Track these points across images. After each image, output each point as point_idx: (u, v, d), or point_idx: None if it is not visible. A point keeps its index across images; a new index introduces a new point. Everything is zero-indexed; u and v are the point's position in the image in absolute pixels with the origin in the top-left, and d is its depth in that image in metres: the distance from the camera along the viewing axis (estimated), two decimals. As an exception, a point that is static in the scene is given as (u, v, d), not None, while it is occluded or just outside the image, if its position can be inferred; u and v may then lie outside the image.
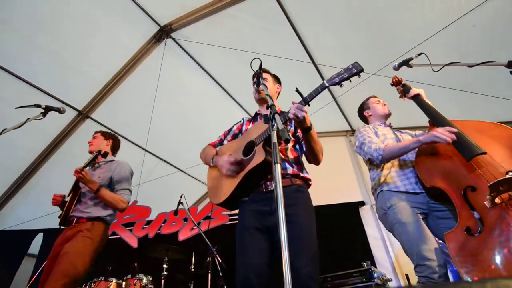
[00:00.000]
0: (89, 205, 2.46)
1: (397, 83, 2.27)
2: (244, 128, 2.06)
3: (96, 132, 2.90)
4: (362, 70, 1.51)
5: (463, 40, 3.53)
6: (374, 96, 2.45)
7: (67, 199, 2.52)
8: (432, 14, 3.42)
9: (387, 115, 2.33)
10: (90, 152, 2.70)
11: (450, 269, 1.60)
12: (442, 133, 1.65)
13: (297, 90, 1.58)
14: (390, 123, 2.33)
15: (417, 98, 2.09)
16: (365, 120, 2.45)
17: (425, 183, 1.74)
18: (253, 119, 2.08)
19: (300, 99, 1.58)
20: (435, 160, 1.78)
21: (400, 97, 2.23)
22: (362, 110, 2.45)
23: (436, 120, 1.87)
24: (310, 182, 1.83)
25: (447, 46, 3.57)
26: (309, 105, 1.59)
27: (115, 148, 2.90)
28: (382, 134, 2.13)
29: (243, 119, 2.16)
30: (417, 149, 1.86)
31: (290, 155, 1.82)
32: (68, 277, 2.05)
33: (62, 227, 2.48)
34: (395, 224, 1.81)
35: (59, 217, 2.48)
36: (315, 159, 1.82)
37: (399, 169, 1.99)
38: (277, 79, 2.17)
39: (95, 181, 2.44)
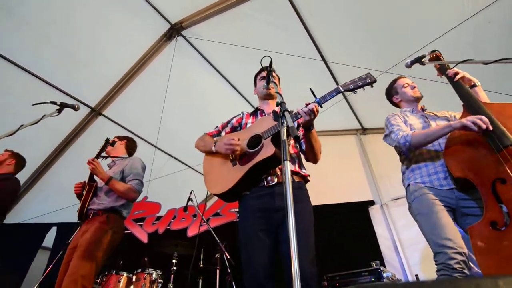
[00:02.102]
0: (105, 197, 2.57)
1: (434, 58, 2.13)
2: (244, 121, 2.05)
3: (114, 137, 3.07)
4: (375, 81, 1.61)
5: (478, 37, 3.44)
6: (402, 77, 2.29)
7: (84, 192, 2.62)
8: (447, 10, 3.34)
9: (418, 99, 2.18)
10: (107, 152, 2.88)
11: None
12: (473, 121, 1.57)
13: (312, 91, 1.62)
14: (423, 106, 2.18)
15: (452, 79, 1.95)
16: (394, 105, 2.33)
17: (453, 173, 1.69)
18: (254, 114, 2.08)
19: (313, 99, 1.62)
20: (465, 149, 1.71)
21: (438, 74, 2.10)
22: (391, 95, 2.30)
23: (470, 105, 1.77)
24: (308, 178, 1.85)
25: (461, 43, 3.49)
26: (321, 107, 1.63)
27: (129, 147, 3.02)
28: (412, 124, 2.03)
29: (242, 112, 2.14)
30: (448, 136, 1.78)
31: (291, 150, 1.83)
32: (85, 268, 2.15)
33: (80, 221, 2.58)
34: (417, 215, 1.79)
35: (77, 211, 2.58)
36: (314, 158, 1.85)
37: (430, 162, 1.90)
38: (279, 80, 2.19)
39: (106, 173, 2.57)
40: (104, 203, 2.53)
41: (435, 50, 2.10)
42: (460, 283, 0.30)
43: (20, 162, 3.08)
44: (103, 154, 2.76)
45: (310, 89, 1.62)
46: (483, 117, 1.57)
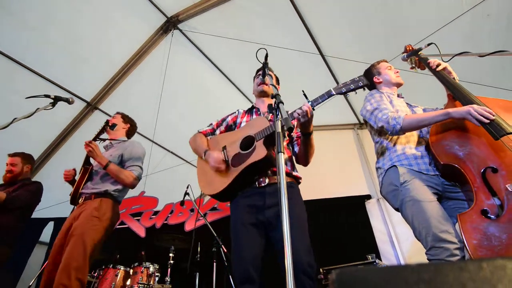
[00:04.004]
0: (100, 181, 2.42)
1: (410, 52, 2.08)
2: (239, 120, 2.04)
3: (117, 113, 2.88)
4: (367, 84, 1.62)
5: (476, 30, 3.44)
6: (385, 61, 2.22)
7: (77, 177, 2.49)
8: (445, 3, 3.33)
9: (399, 85, 2.11)
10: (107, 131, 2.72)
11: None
12: (480, 112, 1.47)
13: (304, 93, 1.61)
14: (401, 94, 2.11)
15: (434, 70, 1.89)
16: (372, 87, 2.17)
17: (440, 160, 1.60)
18: (249, 112, 2.07)
19: (305, 101, 1.62)
20: (453, 136, 1.63)
21: (412, 67, 2.05)
22: (371, 75, 2.18)
23: (459, 94, 1.70)
24: (300, 181, 1.86)
25: (460, 36, 3.48)
26: (313, 109, 1.63)
27: (130, 133, 2.88)
28: (397, 105, 1.92)
29: (238, 111, 2.13)
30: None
31: (285, 153, 1.83)
32: (78, 260, 2.03)
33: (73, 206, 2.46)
34: (408, 201, 1.64)
35: (70, 194, 2.44)
36: (305, 161, 1.87)
37: (414, 146, 1.81)
38: (277, 80, 2.18)
39: (104, 157, 2.41)
40: (98, 187, 2.37)
41: (431, 43, 2.09)
42: (444, 266, 0.30)
43: (33, 165, 3.23)
44: (102, 136, 2.61)
45: (303, 91, 1.62)
46: (487, 108, 1.51)
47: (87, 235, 2.13)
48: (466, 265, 0.30)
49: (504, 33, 3.38)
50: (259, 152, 1.63)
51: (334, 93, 1.61)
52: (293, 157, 1.91)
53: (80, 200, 2.37)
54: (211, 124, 2.11)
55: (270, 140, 1.67)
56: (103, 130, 2.56)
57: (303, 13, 3.70)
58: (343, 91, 1.60)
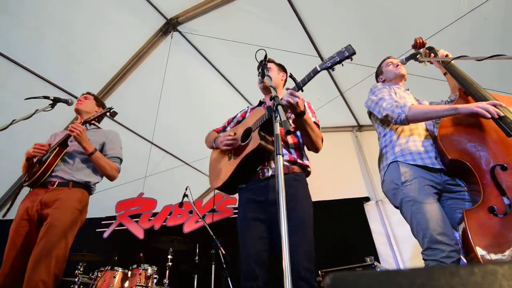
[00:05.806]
0: (78, 168, 2.17)
1: (421, 44, 2.06)
2: (247, 115, 2.07)
3: (88, 93, 2.63)
4: (354, 53, 1.50)
5: (474, 34, 3.45)
6: (389, 57, 2.23)
7: (47, 156, 2.14)
8: (443, 7, 3.35)
9: (400, 76, 2.09)
10: (76, 110, 2.45)
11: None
12: (488, 108, 1.45)
13: (291, 76, 1.61)
14: (408, 89, 2.10)
15: (446, 63, 1.87)
16: None
17: (448, 154, 1.56)
18: (257, 107, 2.08)
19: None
20: (462, 131, 1.60)
21: (421, 62, 2.01)
22: (377, 76, 2.26)
23: (471, 89, 1.67)
24: (309, 169, 1.80)
25: (458, 40, 3.50)
26: (302, 90, 1.59)
27: (102, 117, 2.58)
28: (403, 97, 1.90)
29: (248, 107, 2.18)
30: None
31: (290, 139, 1.80)
32: (60, 250, 1.86)
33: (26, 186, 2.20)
34: (408, 201, 1.63)
35: (32, 174, 2.13)
36: (313, 146, 1.77)
37: (419, 139, 1.77)
38: (282, 68, 2.15)
39: (91, 143, 2.17)
40: (79, 176, 2.13)
41: (430, 47, 2.11)
42: (436, 271, 0.30)
43: None
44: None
45: (290, 74, 1.62)
46: (497, 102, 1.49)
47: (70, 229, 1.95)
48: (457, 270, 0.30)
49: (501, 36, 3.40)
50: (254, 142, 1.64)
51: (319, 70, 1.55)
52: (301, 144, 1.85)
53: (53, 185, 2.07)
54: (223, 122, 2.20)
55: (264, 128, 1.66)
56: (102, 116, 2.33)
57: (302, 15, 3.72)
58: (329, 65, 1.52)
